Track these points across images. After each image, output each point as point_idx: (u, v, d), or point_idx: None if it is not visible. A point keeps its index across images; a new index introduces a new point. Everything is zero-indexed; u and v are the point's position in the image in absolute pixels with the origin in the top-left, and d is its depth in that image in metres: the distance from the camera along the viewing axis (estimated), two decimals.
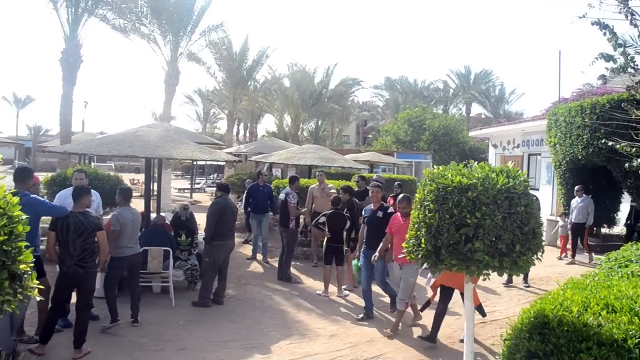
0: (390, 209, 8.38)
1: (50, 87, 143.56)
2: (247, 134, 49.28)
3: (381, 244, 7.87)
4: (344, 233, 9.66)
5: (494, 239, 4.30)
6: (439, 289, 7.38)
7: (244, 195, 13.48)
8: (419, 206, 4.76)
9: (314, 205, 11.83)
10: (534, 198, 5.01)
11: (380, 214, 8.29)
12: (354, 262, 9.28)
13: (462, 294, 6.68)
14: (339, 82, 44.59)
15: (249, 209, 12.79)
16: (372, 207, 8.47)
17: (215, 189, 10.66)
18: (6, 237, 2.56)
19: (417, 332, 7.82)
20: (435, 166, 4.98)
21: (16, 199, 2.74)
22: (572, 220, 13.41)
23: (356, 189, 11.97)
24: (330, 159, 14.60)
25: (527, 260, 4.34)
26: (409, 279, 7.55)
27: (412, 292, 7.93)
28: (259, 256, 12.51)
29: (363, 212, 8.80)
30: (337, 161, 14.70)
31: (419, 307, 8.22)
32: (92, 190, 7.16)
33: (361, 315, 8.35)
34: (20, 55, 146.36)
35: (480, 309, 7.62)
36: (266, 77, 37.69)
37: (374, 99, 62.81)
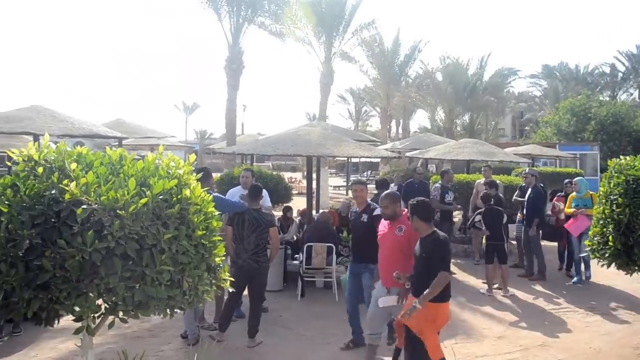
0: (377, 211, 6.26)
1: (213, 94, 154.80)
2: (400, 130, 49.10)
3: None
4: (502, 229, 9.22)
5: None
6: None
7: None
8: (604, 201, 4.35)
9: (478, 201, 11.42)
10: None
11: (365, 217, 6.47)
12: (342, 276, 8.12)
13: None
14: (494, 73, 42.69)
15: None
16: (358, 209, 6.73)
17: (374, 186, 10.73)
18: (204, 232, 2.75)
19: None
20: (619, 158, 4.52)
21: (210, 197, 2.93)
22: None
23: (522, 185, 11.30)
24: (490, 153, 14.06)
25: None
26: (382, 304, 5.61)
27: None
28: None
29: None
30: (497, 155, 14.11)
31: None
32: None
33: (346, 343, 6.63)
34: (187, 67, 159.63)
35: None
36: (418, 72, 37.32)
37: (530, 88, 59.15)
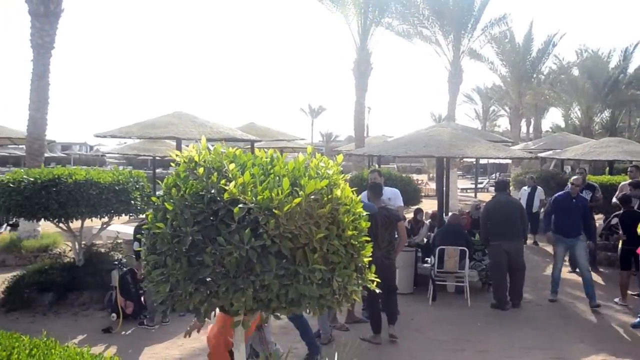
0: None
1: (338, 96, 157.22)
2: (531, 130, 46.73)
3: None
4: None
5: None
6: None
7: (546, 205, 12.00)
8: None
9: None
10: None
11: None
12: None
13: None
14: None
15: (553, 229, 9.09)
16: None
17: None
18: (354, 232, 2.76)
19: None
20: None
21: (359, 197, 2.94)
22: None
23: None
24: (637, 152, 12.99)
25: None
26: None
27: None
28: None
29: None
30: None
31: None
32: (388, 188, 7.67)
33: None
34: (312, 71, 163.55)
35: None
36: (551, 67, 35.22)
37: None
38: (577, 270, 10.15)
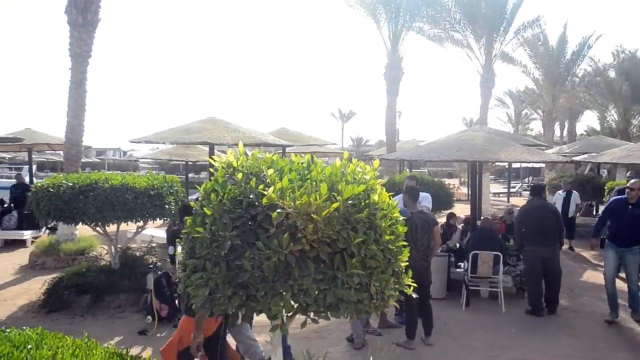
0: None
1: (368, 101, 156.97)
2: (565, 134, 45.89)
3: None
4: None
5: None
6: None
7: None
8: None
9: None
10: None
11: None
12: None
13: None
14: None
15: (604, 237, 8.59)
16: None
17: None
18: (391, 236, 2.77)
19: None
20: None
21: (395, 202, 2.94)
22: None
23: None
24: None
25: None
26: None
27: None
28: None
29: None
30: None
31: None
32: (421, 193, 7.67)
33: None
34: (343, 76, 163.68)
35: None
36: (586, 70, 34.57)
37: None
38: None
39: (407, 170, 22.50)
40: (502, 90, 58.86)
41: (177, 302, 7.84)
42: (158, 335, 7.40)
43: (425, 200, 8.37)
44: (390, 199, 2.91)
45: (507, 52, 25.71)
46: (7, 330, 3.35)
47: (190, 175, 24.79)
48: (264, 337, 6.01)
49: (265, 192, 2.60)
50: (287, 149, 15.00)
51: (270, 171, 2.73)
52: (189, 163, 21.95)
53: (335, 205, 2.55)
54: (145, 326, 7.59)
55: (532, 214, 8.47)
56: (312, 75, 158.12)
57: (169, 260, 7.98)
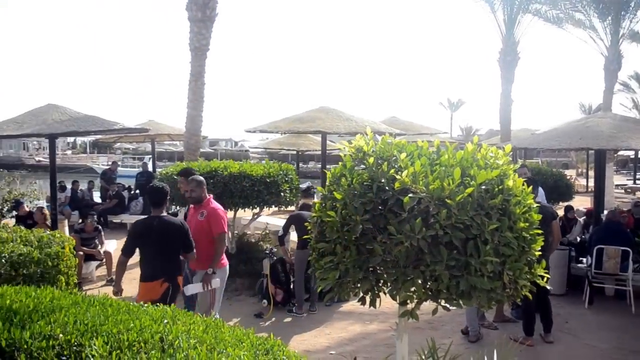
0: None
1: (477, 90, 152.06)
2: None
3: None
4: None
5: None
6: None
7: None
8: None
9: None
10: None
11: None
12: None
13: None
14: None
15: None
16: None
17: None
18: (526, 224, 2.66)
19: None
20: None
21: (530, 189, 2.82)
22: None
23: None
24: None
25: None
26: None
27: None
28: None
29: None
30: None
31: None
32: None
33: None
34: (451, 65, 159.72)
35: None
36: None
37: None
38: None
39: (521, 160, 21.58)
40: (627, 74, 54.80)
41: (292, 287, 8.05)
42: (273, 319, 7.63)
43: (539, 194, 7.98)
44: (524, 184, 2.79)
45: (637, 31, 23.70)
46: (145, 305, 3.61)
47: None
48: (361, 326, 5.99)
49: (398, 177, 2.58)
50: (398, 138, 14.86)
51: (403, 155, 2.71)
52: (300, 152, 22.38)
53: (469, 190, 2.48)
54: (260, 309, 7.85)
55: None
56: (421, 64, 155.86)
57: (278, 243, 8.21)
